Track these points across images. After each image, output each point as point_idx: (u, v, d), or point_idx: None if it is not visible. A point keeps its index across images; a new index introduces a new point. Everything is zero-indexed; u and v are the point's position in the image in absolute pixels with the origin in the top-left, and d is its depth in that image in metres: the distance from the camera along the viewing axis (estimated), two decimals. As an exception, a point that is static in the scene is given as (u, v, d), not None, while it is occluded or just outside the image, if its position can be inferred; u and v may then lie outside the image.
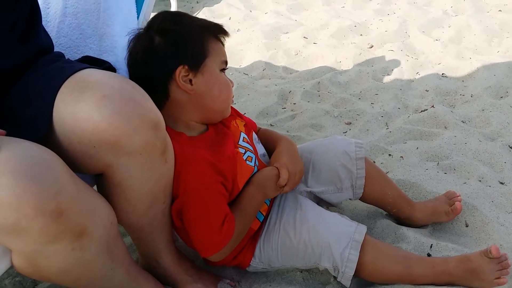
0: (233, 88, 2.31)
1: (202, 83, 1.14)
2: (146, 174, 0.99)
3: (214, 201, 1.11)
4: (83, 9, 1.35)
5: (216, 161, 1.12)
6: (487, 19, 2.89)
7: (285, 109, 2.17)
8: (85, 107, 0.89)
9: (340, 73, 2.43)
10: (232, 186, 1.17)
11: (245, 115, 1.99)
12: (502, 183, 1.55)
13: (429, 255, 1.28)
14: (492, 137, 1.80)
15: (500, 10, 3.03)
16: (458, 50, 2.54)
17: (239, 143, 1.24)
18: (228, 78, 1.20)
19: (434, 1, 3.30)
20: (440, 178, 1.57)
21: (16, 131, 0.89)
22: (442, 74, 2.32)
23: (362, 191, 1.35)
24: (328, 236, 1.18)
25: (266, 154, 1.34)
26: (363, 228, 1.20)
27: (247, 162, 1.22)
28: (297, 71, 2.52)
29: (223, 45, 1.20)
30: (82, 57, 1.23)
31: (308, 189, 1.34)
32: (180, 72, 1.11)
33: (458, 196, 1.40)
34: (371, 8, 3.27)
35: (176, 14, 1.25)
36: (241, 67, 2.65)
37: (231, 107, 1.32)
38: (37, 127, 0.93)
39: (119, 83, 0.94)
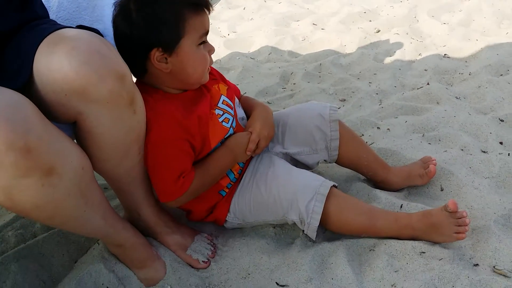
0: (238, 71, 2.40)
1: (177, 62, 1.17)
2: (115, 123, 1.07)
3: (173, 156, 1.19)
4: (81, -15, 1.47)
5: (184, 119, 1.19)
6: (500, 2, 2.87)
7: (284, 89, 2.23)
8: (57, 58, 0.99)
9: (344, 56, 2.47)
10: (203, 144, 1.25)
11: (245, 94, 2.08)
12: (484, 151, 1.57)
13: (398, 213, 1.33)
14: (484, 111, 1.81)
15: (514, -5, 3.00)
16: (465, 32, 2.54)
17: (218, 105, 1.30)
18: (208, 46, 1.21)
19: (448, -12, 3.29)
20: (422, 147, 1.60)
21: (2, 82, 1.00)
22: (445, 55, 2.33)
23: (337, 153, 1.41)
24: (295, 190, 1.24)
25: (245, 117, 1.41)
26: (329, 183, 1.25)
27: (223, 123, 1.29)
28: (302, 55, 2.58)
29: (208, 13, 1.19)
30: (77, 26, 1.34)
31: (284, 151, 1.40)
32: (155, 54, 1.15)
33: (433, 160, 1.44)
34: (384, -4, 3.29)
35: None
36: (249, 52, 2.73)
37: (216, 72, 1.40)
38: (18, 77, 1.04)
39: (88, 37, 1.03)
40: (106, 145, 1.09)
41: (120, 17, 1.18)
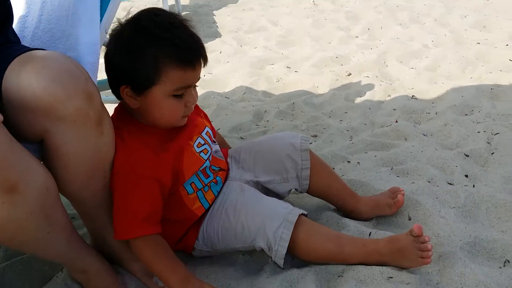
0: (213, 109, 2.43)
1: (144, 104, 1.18)
2: (81, 142, 1.06)
3: (137, 194, 1.17)
4: (56, 16, 1.49)
5: (156, 157, 1.19)
6: (465, 50, 3.00)
7: (258, 126, 2.26)
8: (26, 76, 1.00)
9: (316, 96, 2.53)
10: (176, 178, 1.24)
11: (218, 130, 2.10)
12: (450, 183, 1.60)
13: (366, 240, 1.33)
14: (450, 147, 1.87)
15: (478, 43, 3.14)
16: (432, 76, 2.64)
17: (201, 134, 1.32)
18: (188, 97, 1.19)
19: (416, 37, 3.43)
20: (390, 179, 1.63)
21: None
22: (412, 96, 2.41)
23: (308, 182, 1.42)
24: (263, 217, 1.25)
25: (218, 150, 1.42)
26: (298, 211, 1.26)
27: (201, 154, 1.30)
28: (275, 95, 2.63)
29: (196, 69, 1.16)
30: (49, 53, 1.36)
31: (255, 179, 1.41)
32: (124, 89, 1.17)
33: (401, 191, 1.46)
34: (355, 43, 3.41)
35: (164, 18, 1.17)
36: (224, 92, 2.77)
37: (199, 110, 1.43)
38: None
39: (59, 57, 1.04)
40: (71, 165, 1.09)
41: (113, 37, 1.20)
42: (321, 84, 2.68)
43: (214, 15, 4.70)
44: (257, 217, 1.25)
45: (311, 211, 1.50)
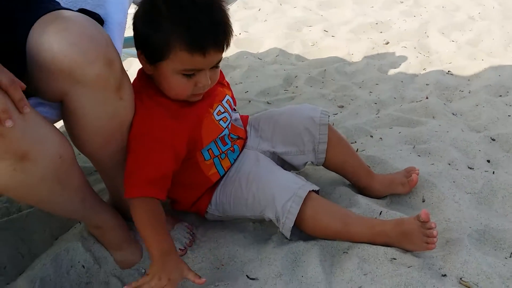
0: (244, 70, 2.43)
1: (156, 74, 1.20)
2: (99, 106, 1.08)
3: (152, 155, 1.18)
4: (88, -31, 1.51)
5: (175, 121, 1.20)
6: (510, 25, 2.87)
7: (286, 91, 2.26)
8: (47, 38, 1.02)
9: (349, 64, 2.50)
10: (194, 145, 1.27)
11: (247, 93, 2.11)
12: (470, 167, 1.58)
13: (376, 219, 1.35)
14: (477, 130, 1.83)
15: (527, 19, 3.01)
16: (472, 51, 2.55)
17: (222, 101, 1.34)
18: (198, 78, 1.17)
19: (463, 7, 3.30)
20: (410, 158, 1.62)
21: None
22: (448, 71, 2.35)
23: (324, 156, 1.43)
24: (274, 189, 1.27)
25: (238, 118, 1.44)
26: (309, 186, 1.27)
27: (221, 122, 1.31)
28: (308, 60, 2.61)
29: (203, 55, 1.12)
30: (79, 9, 1.38)
31: (272, 149, 1.43)
32: (140, 55, 1.19)
33: (416, 170, 1.45)
34: (399, 9, 3.31)
35: None
36: (257, 52, 2.76)
37: (222, 78, 1.42)
38: (16, 52, 1.07)
39: (81, 20, 1.06)
40: (89, 127, 1.12)
41: (141, 3, 1.19)
42: (356, 51, 2.63)
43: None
44: (268, 189, 1.27)
45: (325, 185, 1.51)
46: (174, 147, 1.21)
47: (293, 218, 1.24)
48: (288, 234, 1.27)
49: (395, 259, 1.20)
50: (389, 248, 1.22)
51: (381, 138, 1.77)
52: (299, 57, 2.65)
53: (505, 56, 2.49)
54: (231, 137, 1.37)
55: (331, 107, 2.06)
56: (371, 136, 1.80)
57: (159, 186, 1.20)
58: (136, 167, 1.19)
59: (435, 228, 1.18)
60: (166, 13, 1.11)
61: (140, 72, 1.29)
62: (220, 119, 1.32)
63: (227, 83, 1.47)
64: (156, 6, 1.14)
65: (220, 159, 1.35)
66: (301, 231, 1.32)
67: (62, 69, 1.01)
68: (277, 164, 1.41)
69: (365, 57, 2.56)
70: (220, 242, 1.33)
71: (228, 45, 1.17)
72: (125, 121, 1.17)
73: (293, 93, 2.23)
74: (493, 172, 1.53)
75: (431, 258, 1.22)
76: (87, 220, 1.25)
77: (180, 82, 1.18)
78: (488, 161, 1.62)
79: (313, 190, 1.28)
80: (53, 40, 1.00)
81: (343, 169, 1.48)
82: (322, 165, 1.47)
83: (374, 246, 1.23)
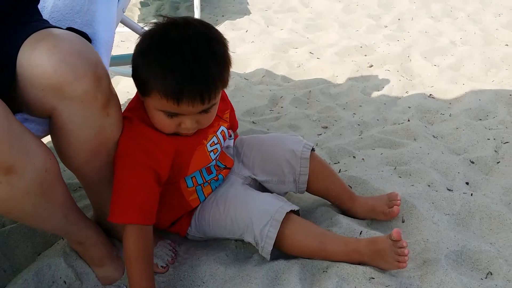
0: (230, 90, 2.46)
1: (144, 103, 1.21)
2: (86, 122, 1.10)
3: (130, 179, 1.18)
4: (77, -11, 1.53)
5: (158, 148, 1.20)
6: (492, 51, 2.95)
7: (272, 111, 2.29)
8: (38, 55, 1.04)
9: (334, 86, 2.54)
10: (178, 171, 1.27)
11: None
12: (449, 189, 1.61)
13: (356, 239, 1.37)
14: (457, 152, 1.87)
15: (506, 45, 3.08)
16: (454, 76, 2.61)
17: (216, 133, 1.34)
18: (180, 120, 1.17)
19: (446, 32, 3.38)
20: (391, 179, 1.65)
21: None
22: (430, 94, 2.40)
23: (305, 186, 1.45)
24: (251, 213, 1.28)
25: (230, 146, 1.45)
26: (287, 207, 1.28)
27: (211, 154, 1.32)
28: (294, 81, 2.65)
29: (177, 105, 1.12)
30: (67, 28, 1.40)
31: (253, 176, 1.44)
32: None
33: (398, 200, 1.44)
34: (383, 33, 3.38)
35: (181, 37, 1.13)
36: (244, 72, 2.79)
37: (226, 105, 1.43)
38: (4, 72, 1.09)
39: (71, 37, 1.09)
40: (75, 142, 1.14)
41: (144, 32, 1.20)
42: (340, 73, 2.68)
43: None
44: (246, 213, 1.29)
45: (307, 204, 1.54)
46: (155, 171, 1.20)
47: (271, 242, 1.26)
48: (268, 257, 1.28)
49: (373, 278, 1.22)
50: (367, 267, 1.25)
51: (363, 158, 1.81)
52: (285, 78, 2.69)
53: (485, 81, 2.56)
54: (218, 166, 1.38)
55: (315, 127, 2.10)
56: (354, 157, 1.83)
57: (148, 210, 1.20)
58: (121, 190, 1.19)
59: (406, 247, 1.20)
60: (153, 53, 1.13)
61: (137, 94, 1.29)
62: (211, 151, 1.33)
63: (231, 107, 1.47)
64: (149, 41, 1.15)
65: (203, 187, 1.36)
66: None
67: (52, 84, 1.03)
68: (258, 190, 1.43)
69: (349, 79, 2.61)
70: (202, 260, 1.34)
71: (212, 97, 1.14)
72: (111, 138, 1.19)
73: (278, 113, 2.27)
74: (471, 194, 1.56)
75: (409, 278, 1.25)
76: (70, 235, 1.26)
77: (162, 120, 1.18)
78: (467, 183, 1.65)
79: (292, 210, 1.30)
80: (44, 56, 1.02)
81: (327, 195, 1.50)
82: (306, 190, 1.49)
83: (353, 266, 1.25)
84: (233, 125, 1.54)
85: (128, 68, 2.47)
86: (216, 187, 1.39)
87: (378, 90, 2.48)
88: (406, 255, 1.19)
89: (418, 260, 1.31)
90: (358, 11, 3.96)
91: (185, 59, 1.10)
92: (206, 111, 1.18)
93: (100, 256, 1.29)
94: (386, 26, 3.59)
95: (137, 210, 1.18)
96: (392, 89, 2.47)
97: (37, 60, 1.04)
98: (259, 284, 1.23)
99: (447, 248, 1.33)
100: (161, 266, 1.32)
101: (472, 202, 1.51)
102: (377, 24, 3.62)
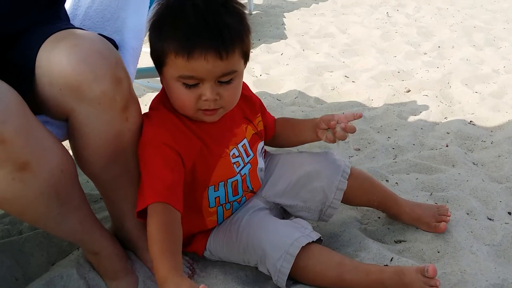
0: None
1: (164, 83, 1.17)
2: (104, 125, 1.07)
3: (154, 161, 1.12)
4: (108, -3, 1.53)
5: (178, 137, 1.15)
6: (536, 79, 2.81)
7: (303, 132, 2.22)
8: (57, 53, 1.01)
9: (368, 109, 2.45)
10: (201, 175, 1.21)
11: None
12: (490, 219, 1.50)
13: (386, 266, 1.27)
14: (499, 181, 1.75)
15: (553, 74, 2.94)
16: (496, 103, 2.48)
17: (238, 145, 1.27)
18: (201, 90, 1.10)
19: (488, 60, 3.25)
20: (426, 205, 1.54)
21: (9, 75, 1.01)
22: (470, 121, 2.28)
23: (330, 219, 1.38)
24: (265, 245, 1.20)
25: (263, 169, 1.37)
26: (304, 239, 1.19)
27: (234, 166, 1.26)
28: (327, 103, 2.58)
29: (193, 59, 1.05)
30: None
31: (277, 200, 1.36)
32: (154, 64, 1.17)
33: (448, 216, 1.40)
34: (422, 60, 3.29)
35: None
36: (277, 93, 2.74)
37: (259, 105, 1.37)
38: (24, 70, 1.06)
39: (93, 37, 1.06)
40: (92, 146, 1.10)
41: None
42: (376, 97, 2.59)
43: (284, 17, 4.67)
44: (258, 243, 1.21)
45: (335, 226, 1.45)
46: (179, 154, 1.15)
47: (285, 278, 1.18)
48: (283, 287, 1.20)
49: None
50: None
51: (397, 183, 1.71)
52: (318, 100, 2.62)
53: (530, 110, 2.42)
54: (247, 186, 1.31)
55: (347, 149, 2.01)
56: (387, 181, 1.73)
57: (176, 194, 1.11)
58: (148, 174, 1.12)
59: (439, 286, 1.10)
60: (163, 16, 1.10)
61: (162, 88, 1.24)
62: (234, 163, 1.26)
63: (260, 104, 1.39)
64: (161, 10, 1.12)
65: (224, 209, 1.29)
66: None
67: (70, 84, 1.00)
68: (278, 214, 1.36)
69: (385, 103, 2.52)
70: (220, 279, 1.27)
71: (230, 52, 1.05)
72: (129, 144, 1.14)
73: (309, 134, 2.19)
74: (514, 224, 1.45)
75: (444, 311, 1.14)
76: (84, 244, 1.21)
77: (181, 92, 1.11)
78: (510, 213, 1.54)
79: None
80: (63, 55, 1.00)
81: (369, 205, 1.45)
82: (345, 203, 1.43)
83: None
84: (267, 125, 1.42)
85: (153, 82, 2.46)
86: (231, 207, 1.31)
87: (415, 115, 2.38)
88: None
89: (455, 292, 1.20)
90: (396, 38, 3.87)
91: (197, 8, 1.05)
92: (227, 81, 1.10)
93: (114, 268, 1.23)
94: (426, 53, 3.49)
95: (166, 191, 1.09)
96: (430, 115, 2.37)
97: (56, 58, 1.01)
98: (279, 308, 1.14)
99: (486, 280, 1.22)
100: (177, 283, 1.25)
101: (515, 232, 1.40)
102: (416, 50, 3.52)
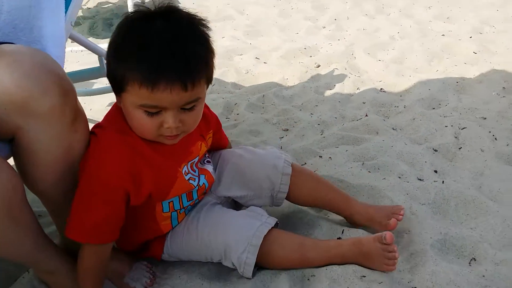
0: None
1: (122, 106, 1.10)
2: (54, 140, 1.02)
3: (97, 199, 1.09)
4: (16, 6, 1.42)
5: (134, 167, 1.10)
6: (430, 42, 3.04)
7: (228, 119, 2.24)
8: None
9: (286, 88, 2.52)
10: (158, 194, 1.18)
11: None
12: (420, 179, 1.62)
13: (339, 239, 1.34)
14: (418, 142, 1.89)
15: (443, 35, 3.19)
16: (399, 69, 2.66)
17: (188, 163, 1.24)
18: (162, 118, 1.05)
19: (382, 28, 3.45)
20: (362, 175, 1.64)
21: None
22: (381, 89, 2.43)
23: (282, 202, 1.40)
24: (227, 239, 1.21)
25: (214, 169, 1.37)
26: (264, 228, 1.22)
27: (190, 180, 1.23)
28: (245, 87, 2.61)
29: (158, 91, 0.99)
30: (14, 46, 1.29)
31: (227, 194, 1.37)
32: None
33: (400, 215, 1.35)
34: (323, 34, 3.41)
35: (162, 22, 1.03)
36: (192, 83, 2.72)
37: (215, 123, 1.36)
38: None
39: (31, 51, 1.00)
40: (42, 163, 1.05)
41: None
42: (290, 76, 2.67)
43: (179, 3, 4.60)
44: (220, 238, 1.22)
45: (283, 208, 1.49)
46: (126, 191, 1.11)
47: (251, 269, 1.21)
48: (249, 277, 1.23)
49: (364, 276, 1.20)
50: (356, 266, 1.22)
51: (330, 157, 1.79)
52: (235, 85, 2.64)
53: (430, 71, 2.62)
54: (204, 191, 1.31)
55: (276, 131, 2.06)
56: (320, 157, 1.81)
57: (109, 229, 1.12)
58: (83, 208, 1.09)
59: (396, 251, 1.18)
60: (126, 40, 1.04)
61: (115, 105, 1.17)
62: (189, 178, 1.24)
63: (215, 121, 1.38)
64: (120, 32, 1.05)
65: (178, 213, 1.28)
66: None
67: (16, 101, 0.94)
68: (229, 207, 1.37)
69: (300, 81, 2.60)
70: (183, 278, 1.27)
71: (196, 82, 1.02)
72: (79, 156, 1.10)
73: (235, 120, 2.22)
74: (443, 182, 1.58)
75: (399, 272, 1.23)
76: (39, 264, 1.15)
77: (142, 118, 1.06)
78: (436, 171, 1.67)
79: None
80: (4, 72, 0.94)
81: (318, 204, 1.44)
82: (290, 201, 1.43)
83: (342, 266, 1.22)
84: (220, 142, 1.44)
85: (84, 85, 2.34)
86: (187, 210, 1.30)
87: (331, 89, 2.49)
88: (396, 259, 1.17)
89: (405, 253, 1.30)
90: (294, 15, 3.97)
91: (163, 37, 0.99)
92: (190, 108, 1.06)
93: (71, 285, 1.19)
94: (324, 27, 3.62)
95: (93, 230, 1.09)
96: (344, 87, 2.49)
97: None
98: (250, 297, 1.17)
99: (431, 237, 1.33)
100: (140, 290, 1.23)
101: (445, 189, 1.53)
102: (315, 25, 3.64)
